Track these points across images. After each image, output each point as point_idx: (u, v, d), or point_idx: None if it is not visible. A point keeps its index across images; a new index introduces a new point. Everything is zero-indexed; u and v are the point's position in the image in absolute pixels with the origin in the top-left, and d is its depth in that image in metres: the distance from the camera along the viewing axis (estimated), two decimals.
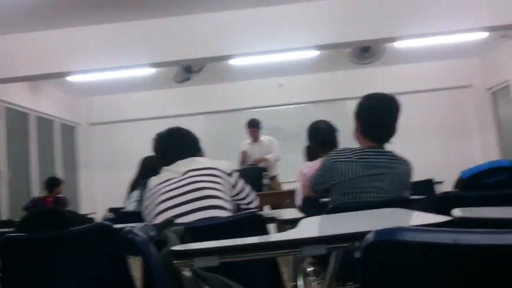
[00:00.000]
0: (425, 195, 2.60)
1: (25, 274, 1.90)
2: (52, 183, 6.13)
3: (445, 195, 1.87)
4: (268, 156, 6.27)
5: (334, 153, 2.30)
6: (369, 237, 0.68)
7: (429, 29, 5.16)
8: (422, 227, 0.66)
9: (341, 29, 5.20)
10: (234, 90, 8.33)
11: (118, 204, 4.47)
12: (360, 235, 1.01)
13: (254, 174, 5.65)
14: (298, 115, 8.41)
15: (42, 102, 7.38)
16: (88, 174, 8.58)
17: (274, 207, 4.96)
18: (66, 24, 5.16)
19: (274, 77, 8.16)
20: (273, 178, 6.20)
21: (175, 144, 2.29)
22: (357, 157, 2.22)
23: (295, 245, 1.09)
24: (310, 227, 1.35)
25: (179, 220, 1.83)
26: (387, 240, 0.65)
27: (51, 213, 1.86)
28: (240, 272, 1.44)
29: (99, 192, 8.48)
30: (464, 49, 7.44)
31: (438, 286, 0.64)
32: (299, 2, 5.13)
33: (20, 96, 6.82)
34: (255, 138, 6.38)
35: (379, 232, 0.67)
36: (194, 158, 2.20)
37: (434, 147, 8.03)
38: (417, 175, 2.39)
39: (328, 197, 2.37)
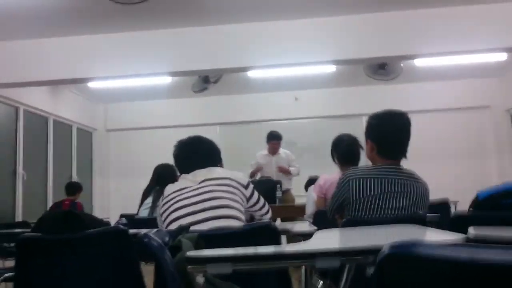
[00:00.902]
0: (441, 215, 2.57)
1: (39, 274, 1.92)
2: (73, 188, 6.23)
3: (461, 215, 1.85)
4: (292, 169, 6.25)
5: (350, 171, 2.29)
6: (384, 250, 0.69)
7: (448, 48, 5.14)
8: (438, 242, 0.66)
9: (359, 45, 5.21)
10: (251, 102, 8.36)
11: (131, 210, 4.49)
12: (374, 250, 1.02)
13: (268, 186, 5.65)
14: (313, 130, 8.42)
15: (61, 107, 7.49)
16: (103, 179, 8.66)
17: (284, 220, 4.96)
18: (87, 30, 5.25)
19: (291, 90, 8.18)
20: (286, 191, 6.18)
21: (195, 153, 2.32)
22: (373, 173, 2.20)
23: (309, 256, 1.10)
24: (324, 239, 1.35)
25: (192, 228, 1.85)
26: (403, 253, 0.66)
27: (68, 215, 1.88)
28: (251, 284, 1.44)
29: (113, 198, 8.56)
30: (483, 69, 7.40)
31: None
32: (318, 17, 5.16)
33: (40, 100, 6.93)
34: (275, 151, 6.35)
35: (394, 245, 0.67)
36: (211, 168, 2.23)
37: (450, 167, 7.95)
38: (433, 195, 2.37)
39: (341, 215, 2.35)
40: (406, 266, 0.66)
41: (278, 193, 5.77)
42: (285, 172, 6.18)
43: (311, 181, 4.55)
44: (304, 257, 1.12)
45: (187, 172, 2.22)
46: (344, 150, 3.40)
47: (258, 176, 6.36)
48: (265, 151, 6.43)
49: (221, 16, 5.05)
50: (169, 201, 2.11)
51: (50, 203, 6.88)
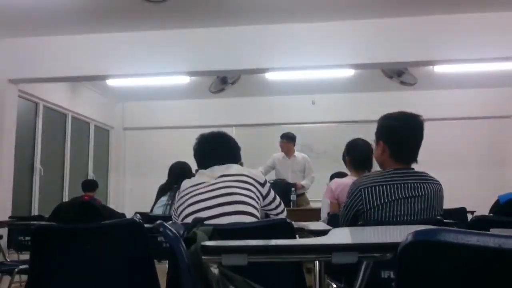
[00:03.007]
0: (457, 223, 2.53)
1: (53, 263, 1.93)
2: (91, 185, 6.30)
3: (481, 218, 1.81)
4: (304, 183, 6.20)
5: (360, 180, 2.23)
6: (408, 237, 0.67)
7: (469, 55, 5.07)
8: (465, 230, 0.64)
9: (378, 50, 5.16)
10: (268, 104, 8.35)
11: (145, 208, 4.51)
12: (393, 246, 0.99)
13: (282, 189, 5.62)
14: (330, 134, 8.36)
15: (80, 104, 7.57)
16: (118, 177, 8.72)
17: None
18: (107, 29, 5.29)
19: (308, 94, 8.16)
20: (301, 195, 6.14)
21: (215, 148, 2.31)
22: (384, 180, 2.14)
23: (326, 250, 1.07)
24: (341, 235, 1.33)
25: (207, 223, 1.84)
26: (428, 240, 0.64)
27: (84, 205, 1.89)
28: (265, 281, 1.43)
29: (128, 196, 8.61)
30: (504, 78, 7.28)
31: None
32: (337, 21, 5.14)
33: (59, 97, 7.01)
34: (285, 151, 6.32)
35: (419, 232, 0.65)
36: (229, 164, 2.22)
37: (468, 177, 7.83)
38: (450, 204, 2.32)
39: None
40: (431, 253, 0.64)
41: (293, 196, 5.75)
42: (300, 187, 6.11)
43: (334, 176, 4.45)
44: (321, 251, 1.10)
45: (205, 167, 2.22)
46: (358, 155, 3.37)
47: (270, 170, 6.35)
48: (282, 153, 6.39)
49: (241, 17, 5.06)
50: (185, 195, 2.11)
51: (66, 199, 6.95)
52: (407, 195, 2.09)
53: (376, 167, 2.63)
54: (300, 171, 6.28)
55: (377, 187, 2.11)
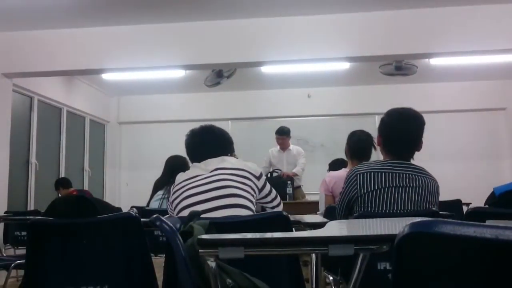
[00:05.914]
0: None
1: (49, 258, 1.92)
2: (67, 182, 6.26)
3: (476, 210, 1.81)
4: (297, 170, 6.22)
5: (357, 166, 2.29)
6: (405, 229, 0.67)
7: (464, 47, 5.07)
8: (461, 221, 0.64)
9: (373, 42, 5.16)
10: (263, 98, 8.33)
11: (141, 202, 4.51)
12: (390, 238, 0.99)
13: (278, 183, 5.63)
14: (325, 127, 8.37)
15: (75, 98, 7.53)
16: (114, 171, 8.70)
17: None
18: (102, 22, 5.26)
19: (304, 87, 8.15)
20: (297, 188, 6.17)
21: (207, 142, 2.30)
22: (381, 167, 2.18)
23: (322, 242, 1.08)
24: (338, 228, 1.33)
25: (203, 216, 1.83)
26: (425, 232, 0.64)
27: (79, 200, 1.88)
28: (261, 275, 1.43)
29: (124, 190, 8.60)
30: (500, 71, 7.30)
31: (475, 281, 0.62)
32: (333, 13, 5.12)
33: (54, 91, 6.97)
34: (282, 146, 6.37)
35: (415, 224, 0.65)
36: (224, 157, 2.21)
37: (464, 169, 7.86)
38: (445, 196, 2.34)
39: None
40: (428, 245, 0.64)
41: (289, 190, 5.76)
42: (292, 176, 6.15)
43: (333, 163, 4.47)
44: (318, 243, 1.10)
45: (199, 161, 2.21)
46: (355, 143, 3.39)
47: (270, 169, 6.37)
48: (277, 147, 6.44)
49: (236, 10, 5.04)
50: (180, 189, 2.10)
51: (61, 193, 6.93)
52: (402, 184, 2.13)
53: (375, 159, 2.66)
54: (295, 164, 6.31)
55: (373, 173, 2.16)
